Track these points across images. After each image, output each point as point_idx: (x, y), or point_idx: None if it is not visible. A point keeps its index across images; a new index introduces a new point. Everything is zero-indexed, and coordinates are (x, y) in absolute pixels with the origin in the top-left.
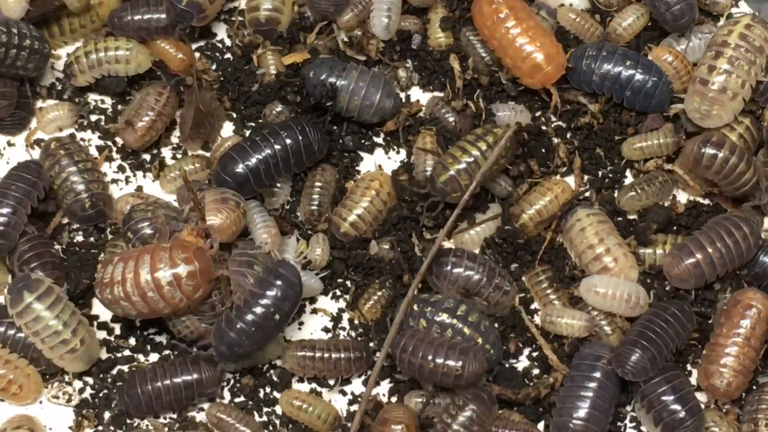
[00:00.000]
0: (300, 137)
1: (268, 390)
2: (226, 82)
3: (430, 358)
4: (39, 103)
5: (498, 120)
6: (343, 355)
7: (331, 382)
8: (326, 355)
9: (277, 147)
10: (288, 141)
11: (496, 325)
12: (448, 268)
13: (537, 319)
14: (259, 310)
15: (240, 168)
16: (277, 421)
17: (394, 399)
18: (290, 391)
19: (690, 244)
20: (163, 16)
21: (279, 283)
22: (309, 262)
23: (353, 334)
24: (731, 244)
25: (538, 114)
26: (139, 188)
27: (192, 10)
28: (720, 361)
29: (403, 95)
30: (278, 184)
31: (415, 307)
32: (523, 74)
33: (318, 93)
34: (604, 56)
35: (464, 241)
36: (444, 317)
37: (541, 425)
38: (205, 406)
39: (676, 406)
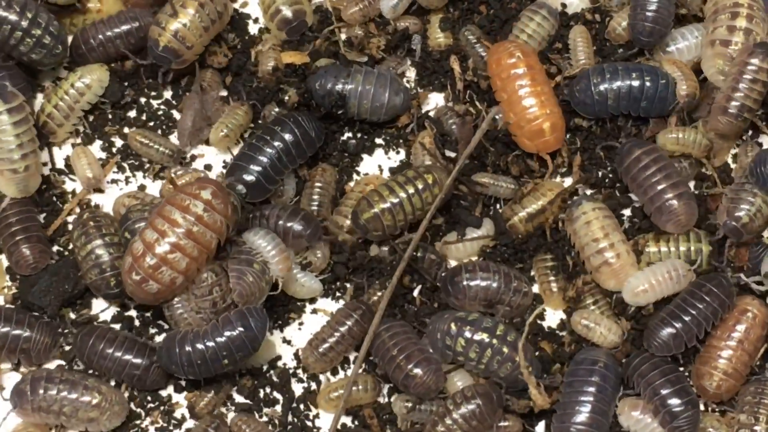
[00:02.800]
0: (294, 128)
1: (268, 390)
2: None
3: (398, 347)
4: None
5: (499, 121)
6: (350, 322)
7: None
8: (337, 334)
9: (276, 143)
10: (284, 134)
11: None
12: (465, 283)
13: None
14: (212, 347)
15: (249, 173)
16: (277, 421)
17: (393, 399)
18: (322, 390)
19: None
20: (119, 30)
21: (241, 330)
22: (309, 263)
23: None
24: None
25: None
26: (142, 187)
27: (168, 55)
28: (712, 363)
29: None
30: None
31: (453, 326)
32: (523, 134)
33: (327, 103)
34: (610, 76)
35: (449, 250)
36: (484, 336)
37: (541, 426)
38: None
39: (677, 399)
